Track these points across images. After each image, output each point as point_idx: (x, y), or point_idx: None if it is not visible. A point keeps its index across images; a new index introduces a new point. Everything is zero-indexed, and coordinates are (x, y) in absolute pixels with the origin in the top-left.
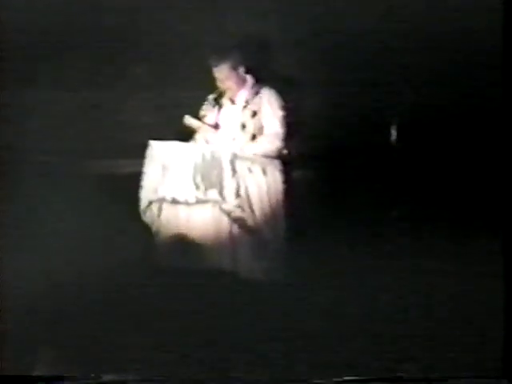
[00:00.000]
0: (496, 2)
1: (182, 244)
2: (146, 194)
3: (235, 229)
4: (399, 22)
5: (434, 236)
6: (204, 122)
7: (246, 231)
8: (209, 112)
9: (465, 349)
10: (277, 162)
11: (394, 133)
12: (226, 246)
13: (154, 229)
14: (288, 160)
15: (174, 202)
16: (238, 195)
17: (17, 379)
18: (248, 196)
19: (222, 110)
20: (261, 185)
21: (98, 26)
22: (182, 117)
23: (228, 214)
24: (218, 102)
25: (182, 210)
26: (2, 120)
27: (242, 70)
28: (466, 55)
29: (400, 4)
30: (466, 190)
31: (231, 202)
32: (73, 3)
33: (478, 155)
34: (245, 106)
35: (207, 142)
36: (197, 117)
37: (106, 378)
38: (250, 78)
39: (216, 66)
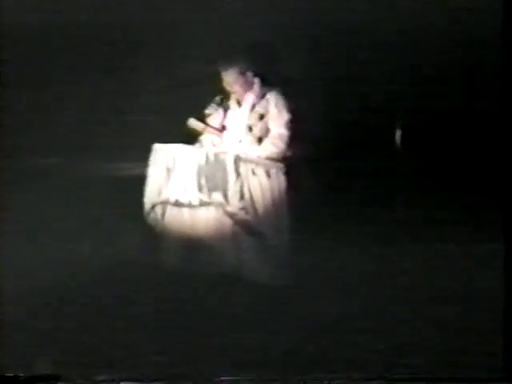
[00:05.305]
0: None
1: (186, 246)
2: (150, 196)
3: (239, 231)
4: (402, 24)
5: (435, 239)
6: (209, 125)
7: (250, 233)
8: (214, 112)
9: (465, 349)
10: (281, 165)
11: (398, 135)
12: (229, 248)
13: (157, 231)
14: (292, 162)
15: (178, 204)
16: (241, 197)
17: (17, 379)
18: (252, 198)
19: (229, 112)
20: (265, 187)
21: (100, 26)
22: (186, 120)
23: (232, 216)
24: (224, 104)
25: (185, 213)
26: (3, 120)
27: (250, 73)
28: (467, 55)
29: (402, 4)
30: (467, 191)
31: (235, 205)
32: (74, 2)
33: (478, 155)
34: (252, 109)
35: (213, 144)
36: (202, 116)
37: (103, 377)
38: (257, 81)
39: (225, 70)
